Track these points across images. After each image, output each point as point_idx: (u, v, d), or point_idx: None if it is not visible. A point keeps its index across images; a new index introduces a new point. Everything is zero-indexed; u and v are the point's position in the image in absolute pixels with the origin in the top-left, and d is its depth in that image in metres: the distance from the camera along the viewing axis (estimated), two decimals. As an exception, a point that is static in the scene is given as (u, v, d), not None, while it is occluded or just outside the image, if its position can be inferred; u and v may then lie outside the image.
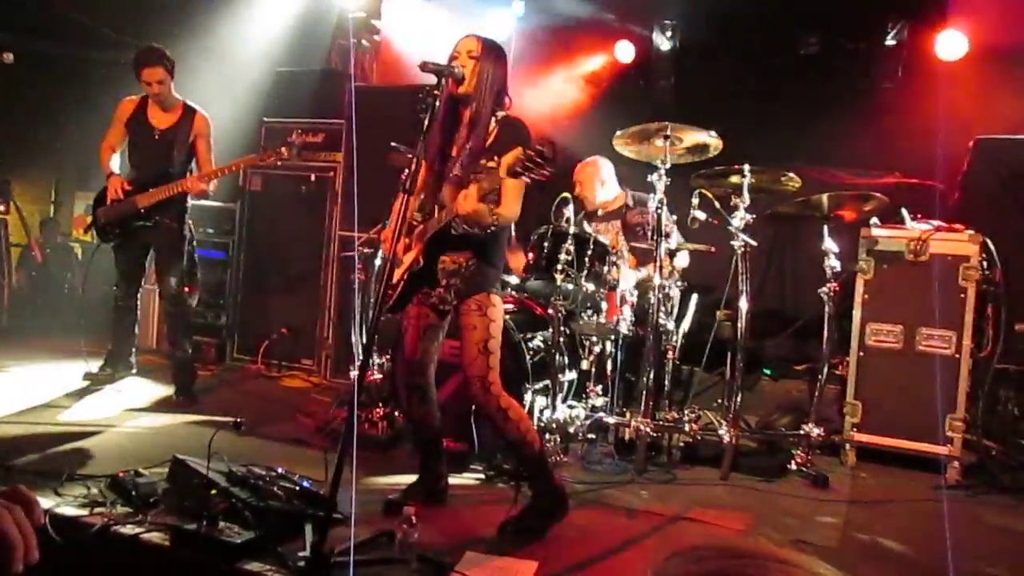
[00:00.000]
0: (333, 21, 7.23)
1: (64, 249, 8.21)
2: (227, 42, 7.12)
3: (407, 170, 3.07)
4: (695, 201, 4.81)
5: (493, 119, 3.35)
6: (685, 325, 4.84)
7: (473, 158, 3.25)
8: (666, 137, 4.28)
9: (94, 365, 5.43)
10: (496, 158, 3.10)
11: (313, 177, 6.27)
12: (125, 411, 4.79)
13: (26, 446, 3.87)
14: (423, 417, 3.57)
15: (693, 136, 4.38)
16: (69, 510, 3.06)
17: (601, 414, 4.44)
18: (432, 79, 3.15)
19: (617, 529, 3.43)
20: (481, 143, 3.28)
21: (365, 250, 4.98)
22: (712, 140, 4.38)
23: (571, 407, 4.47)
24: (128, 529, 2.92)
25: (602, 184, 5.41)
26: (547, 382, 4.35)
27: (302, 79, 6.87)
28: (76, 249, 8.26)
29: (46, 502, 3.08)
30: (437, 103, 3.13)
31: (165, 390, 5.41)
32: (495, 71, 3.30)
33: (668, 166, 4.37)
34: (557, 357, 4.43)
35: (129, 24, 7.40)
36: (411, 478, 3.66)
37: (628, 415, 4.37)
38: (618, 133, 4.49)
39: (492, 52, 3.31)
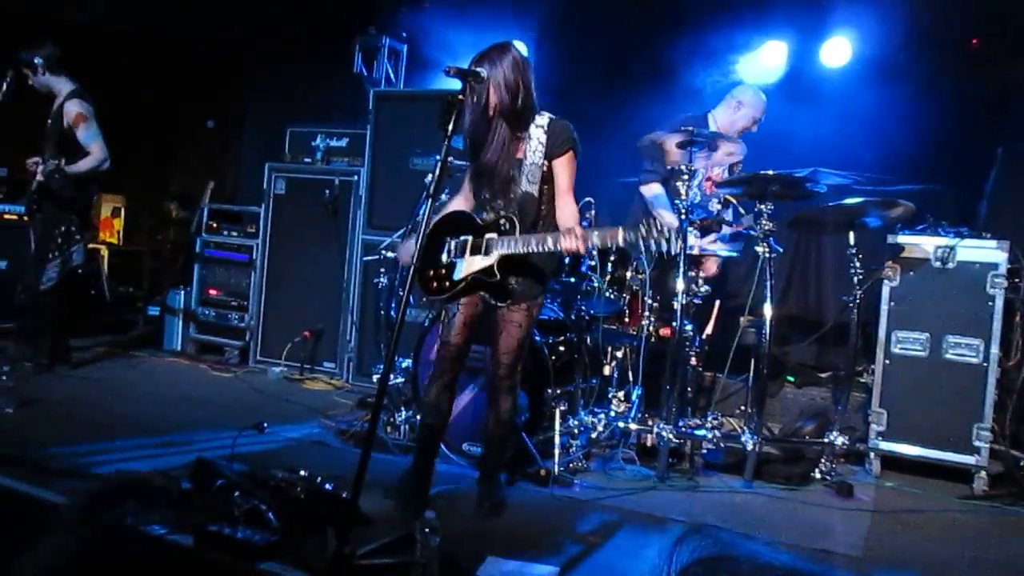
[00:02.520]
0: (358, 26, 7.27)
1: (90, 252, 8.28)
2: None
3: (431, 174, 3.08)
4: (718, 205, 4.80)
5: (542, 124, 3.46)
6: (708, 331, 4.82)
7: (532, 167, 3.43)
8: (693, 142, 4.25)
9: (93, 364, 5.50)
10: (547, 162, 3.45)
11: (337, 181, 6.30)
12: (149, 410, 4.83)
13: (53, 443, 3.91)
14: (441, 404, 3.58)
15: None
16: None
17: (623, 420, 4.43)
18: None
19: (638, 536, 3.42)
20: (526, 154, 3.44)
21: (389, 254, 5.00)
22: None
23: (593, 413, 4.46)
24: (153, 529, 2.94)
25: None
26: (569, 387, 4.35)
27: (327, 84, 6.92)
28: (103, 252, 8.34)
29: (69, 500, 3.11)
30: (464, 107, 3.14)
31: (186, 390, 5.47)
32: (507, 73, 3.34)
33: (695, 170, 4.35)
34: (579, 362, 4.44)
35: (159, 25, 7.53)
36: (432, 484, 3.69)
37: (650, 421, 4.35)
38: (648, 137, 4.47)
39: (498, 55, 3.34)
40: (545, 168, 3.46)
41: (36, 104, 5.59)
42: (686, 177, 4.27)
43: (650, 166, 4.99)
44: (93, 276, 7.45)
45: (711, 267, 4.96)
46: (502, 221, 3.42)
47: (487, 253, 3.39)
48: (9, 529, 3.15)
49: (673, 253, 3.48)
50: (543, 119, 3.47)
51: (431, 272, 3.53)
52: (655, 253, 3.70)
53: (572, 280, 4.50)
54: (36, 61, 5.46)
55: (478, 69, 3.26)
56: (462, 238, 3.49)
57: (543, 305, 3.64)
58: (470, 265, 3.43)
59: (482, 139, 3.44)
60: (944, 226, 4.61)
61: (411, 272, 2.90)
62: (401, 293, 4.60)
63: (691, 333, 4.56)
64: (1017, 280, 4.44)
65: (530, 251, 3.33)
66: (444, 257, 3.51)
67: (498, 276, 3.38)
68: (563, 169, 3.49)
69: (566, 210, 3.48)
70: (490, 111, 3.37)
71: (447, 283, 3.48)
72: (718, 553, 3.21)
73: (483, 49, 3.39)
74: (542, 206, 3.50)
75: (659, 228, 3.08)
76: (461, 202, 3.68)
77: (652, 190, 5.02)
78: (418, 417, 4.41)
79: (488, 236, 3.42)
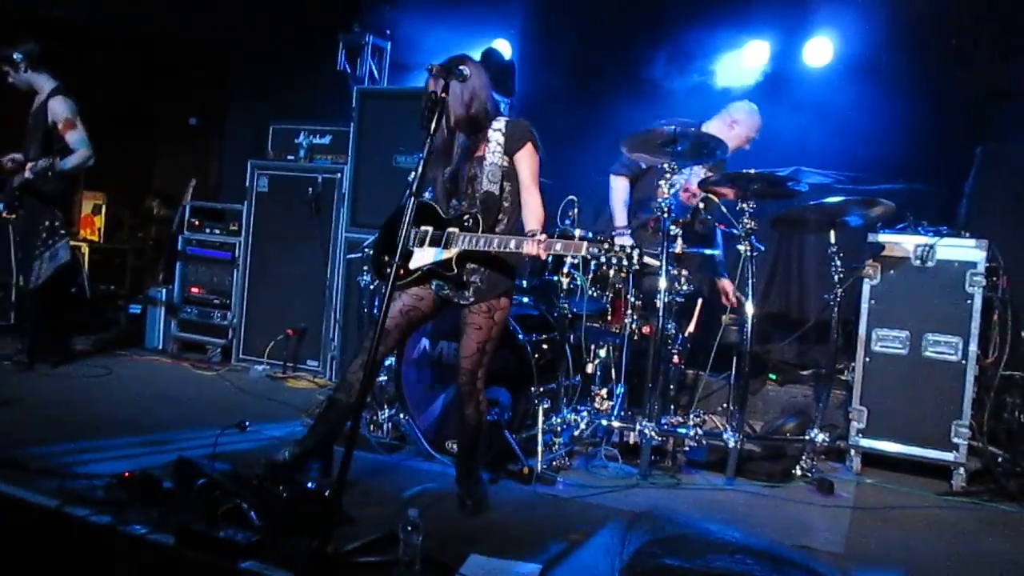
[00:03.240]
0: (342, 23, 7.25)
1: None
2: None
3: (413, 172, 3.09)
4: (701, 205, 4.82)
5: (499, 127, 3.54)
6: (690, 329, 4.83)
7: (492, 166, 3.51)
8: (673, 141, 4.27)
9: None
10: (507, 158, 3.52)
11: (320, 179, 6.28)
12: (131, 409, 4.80)
13: (34, 443, 3.88)
14: (354, 382, 3.52)
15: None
16: (75, 509, 3.06)
17: (606, 418, 4.44)
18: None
19: (621, 533, 3.42)
20: (486, 154, 3.53)
21: (370, 251, 4.99)
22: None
23: (576, 411, 4.47)
24: (133, 528, 2.93)
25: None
26: (552, 385, 4.36)
27: (310, 81, 6.90)
28: (84, 249, 8.28)
29: (52, 501, 3.09)
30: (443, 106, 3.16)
31: (168, 388, 5.45)
32: (461, 85, 3.39)
33: (676, 169, 4.37)
34: (562, 360, 4.45)
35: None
36: (415, 482, 3.72)
37: (633, 419, 4.36)
38: (626, 136, 4.48)
39: (452, 70, 3.35)
40: (505, 165, 3.54)
41: (10, 104, 5.54)
42: (669, 175, 4.30)
43: (626, 159, 5.01)
44: (74, 273, 7.41)
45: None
46: (466, 218, 3.48)
47: (447, 246, 3.47)
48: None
49: (632, 270, 3.69)
50: (500, 122, 3.57)
51: (386, 258, 3.59)
52: (617, 267, 3.82)
53: (555, 278, 4.50)
54: (17, 57, 5.46)
55: (462, 68, 3.28)
56: (422, 228, 3.55)
57: (508, 310, 3.62)
58: (427, 256, 3.50)
59: (442, 147, 3.54)
60: (924, 225, 4.65)
61: (394, 267, 2.91)
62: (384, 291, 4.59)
63: (673, 331, 4.58)
64: (995, 279, 4.48)
65: (491, 250, 3.39)
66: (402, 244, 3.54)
67: (455, 271, 3.46)
68: (524, 164, 3.55)
69: (530, 205, 3.54)
70: (449, 121, 3.46)
71: (401, 270, 3.53)
72: (672, 533, 3.24)
73: (440, 63, 3.42)
74: (504, 203, 3.56)
75: (620, 247, 3.16)
76: None
77: (615, 183, 5.06)
78: (401, 415, 4.41)
79: (450, 230, 3.48)
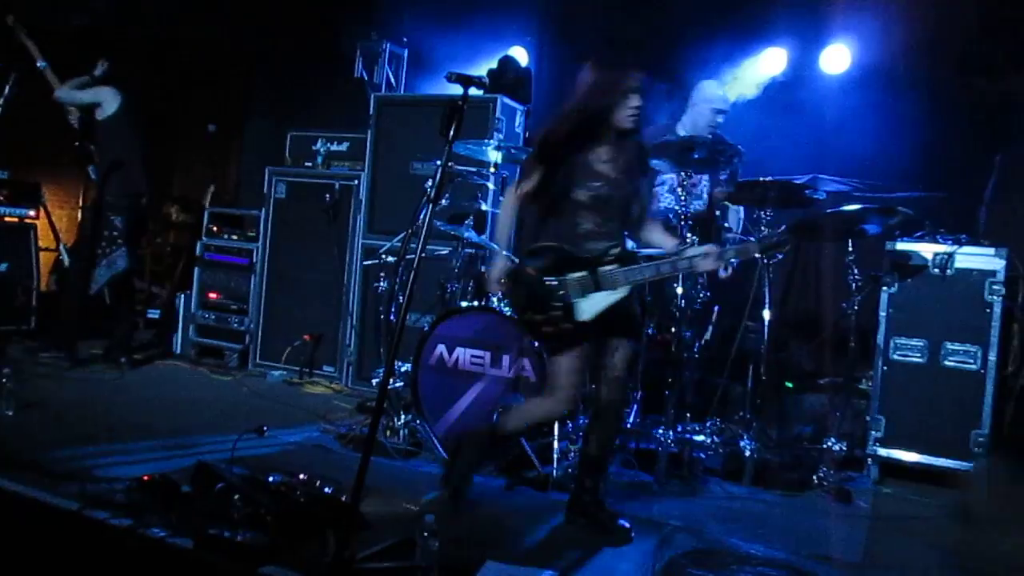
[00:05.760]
0: (360, 31, 7.29)
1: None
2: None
3: (432, 179, 3.08)
4: (719, 212, 4.82)
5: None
6: (707, 336, 4.82)
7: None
8: (690, 149, 4.27)
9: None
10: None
11: (337, 185, 6.31)
12: (149, 413, 4.84)
13: (55, 446, 3.92)
14: None
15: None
16: (96, 512, 3.09)
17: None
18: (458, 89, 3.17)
19: (637, 541, 3.42)
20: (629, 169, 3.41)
21: (389, 258, 5.01)
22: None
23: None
24: (153, 532, 2.95)
25: None
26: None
27: (328, 88, 6.93)
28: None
29: (72, 504, 3.12)
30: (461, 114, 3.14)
31: (186, 393, 5.48)
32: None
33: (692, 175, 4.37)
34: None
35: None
36: (432, 488, 3.72)
37: (649, 427, 4.36)
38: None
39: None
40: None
41: (36, 108, 5.62)
42: (692, 185, 4.30)
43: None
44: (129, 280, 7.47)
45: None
46: (616, 249, 3.25)
47: (614, 287, 3.23)
48: (10, 532, 3.16)
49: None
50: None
51: (539, 317, 3.29)
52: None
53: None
54: (97, 73, 5.99)
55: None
56: (571, 276, 3.25)
57: None
58: (597, 302, 3.24)
59: (600, 159, 3.28)
60: (943, 233, 4.62)
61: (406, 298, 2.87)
62: (401, 298, 4.62)
63: (690, 339, 4.57)
64: (1015, 288, 4.45)
65: (660, 276, 3.27)
66: (556, 299, 3.26)
67: (638, 309, 3.32)
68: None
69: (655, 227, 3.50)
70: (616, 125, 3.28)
71: (567, 325, 3.26)
72: (701, 548, 3.27)
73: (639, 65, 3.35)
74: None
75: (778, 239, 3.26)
76: (507, 224, 3.51)
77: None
78: (418, 421, 4.42)
79: (604, 270, 3.24)
